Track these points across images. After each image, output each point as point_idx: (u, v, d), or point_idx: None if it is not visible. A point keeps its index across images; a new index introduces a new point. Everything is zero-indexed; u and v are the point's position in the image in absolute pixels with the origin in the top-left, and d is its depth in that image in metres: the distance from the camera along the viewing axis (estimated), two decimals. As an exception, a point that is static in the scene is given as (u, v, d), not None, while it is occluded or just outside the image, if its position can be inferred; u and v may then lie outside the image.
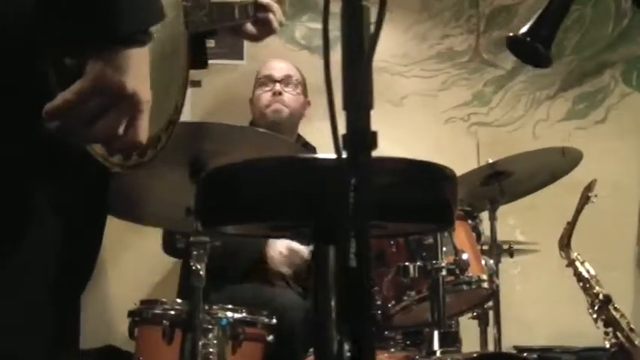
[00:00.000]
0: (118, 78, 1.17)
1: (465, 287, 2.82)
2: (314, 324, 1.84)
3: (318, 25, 4.52)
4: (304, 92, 3.92)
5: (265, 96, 3.80)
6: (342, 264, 1.01)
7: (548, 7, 1.70)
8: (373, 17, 1.09)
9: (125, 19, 1.16)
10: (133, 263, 4.05)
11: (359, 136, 1.03)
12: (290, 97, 3.81)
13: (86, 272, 1.50)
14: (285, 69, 3.89)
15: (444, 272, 2.64)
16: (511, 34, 1.76)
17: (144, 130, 1.25)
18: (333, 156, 1.57)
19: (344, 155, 1.07)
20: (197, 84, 4.06)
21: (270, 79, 3.84)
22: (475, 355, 2.69)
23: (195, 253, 2.57)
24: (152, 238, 3.61)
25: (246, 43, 4.39)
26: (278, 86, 3.80)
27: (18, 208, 1.31)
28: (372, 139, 1.03)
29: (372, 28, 1.10)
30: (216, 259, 2.64)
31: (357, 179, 1.03)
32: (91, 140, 1.24)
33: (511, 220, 4.10)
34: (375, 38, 1.04)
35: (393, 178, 1.56)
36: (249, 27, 2.34)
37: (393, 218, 1.60)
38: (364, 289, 1.03)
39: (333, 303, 1.81)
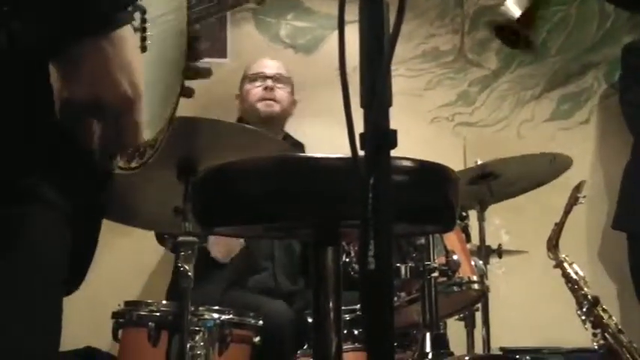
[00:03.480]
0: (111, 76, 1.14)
1: (455, 289, 2.80)
2: (313, 325, 1.81)
3: (303, 24, 4.50)
4: (292, 92, 3.90)
5: (256, 91, 3.79)
6: (362, 266, 0.97)
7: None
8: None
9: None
10: (117, 264, 3.99)
11: (379, 134, 0.99)
12: (281, 93, 3.81)
13: (80, 273, 1.48)
14: (276, 67, 3.89)
15: (436, 273, 2.61)
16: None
17: (138, 129, 1.22)
18: (337, 155, 1.56)
19: (361, 154, 1.03)
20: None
21: (262, 76, 3.82)
22: (468, 357, 2.66)
23: (183, 253, 2.53)
24: (136, 238, 3.56)
25: (229, 41, 4.35)
26: (270, 82, 3.79)
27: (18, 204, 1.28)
28: (392, 138, 1.00)
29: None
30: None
31: (376, 180, 0.99)
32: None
33: (496, 221, 4.08)
34: (395, 36, 1.01)
35: (399, 179, 1.53)
36: None
37: (399, 219, 1.56)
38: (384, 291, 0.99)
39: (331, 304, 1.79)
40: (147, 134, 1.40)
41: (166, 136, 1.48)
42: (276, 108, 3.76)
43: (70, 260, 1.40)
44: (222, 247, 3.32)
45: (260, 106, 3.74)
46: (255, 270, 3.54)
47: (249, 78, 3.84)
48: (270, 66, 3.87)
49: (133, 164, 1.37)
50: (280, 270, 3.59)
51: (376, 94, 1.00)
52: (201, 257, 2.66)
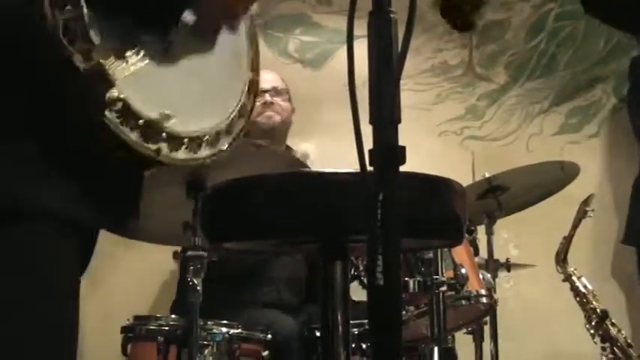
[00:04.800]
0: None
1: (463, 302, 2.80)
2: (322, 338, 1.81)
3: (311, 39, 4.50)
4: (290, 100, 3.91)
5: (255, 107, 3.77)
6: (370, 282, 0.97)
7: None
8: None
9: None
10: (126, 278, 4.00)
11: (388, 150, 1.00)
12: (280, 104, 3.81)
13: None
14: (272, 80, 3.87)
15: (444, 287, 2.61)
16: None
17: None
18: (346, 171, 1.57)
19: (370, 170, 1.04)
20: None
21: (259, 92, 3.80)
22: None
23: (192, 267, 2.53)
24: (145, 253, 3.56)
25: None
26: (267, 96, 3.78)
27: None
28: (400, 155, 1.00)
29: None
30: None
31: (384, 196, 1.00)
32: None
33: (505, 234, 4.07)
34: (404, 52, 1.01)
35: (407, 194, 1.54)
36: None
37: (408, 234, 1.57)
38: (392, 308, 1.00)
39: (339, 318, 1.79)
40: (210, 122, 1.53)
41: (245, 127, 1.68)
42: (276, 118, 3.76)
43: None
44: None
45: (260, 120, 3.73)
46: (259, 284, 3.54)
47: None
48: (266, 80, 3.83)
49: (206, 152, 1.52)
50: (284, 286, 3.59)
51: (385, 111, 1.00)
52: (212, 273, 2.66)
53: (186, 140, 1.49)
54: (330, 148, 4.23)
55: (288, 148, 3.90)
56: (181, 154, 1.47)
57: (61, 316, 1.38)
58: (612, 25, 4.48)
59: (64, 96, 1.31)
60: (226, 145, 1.59)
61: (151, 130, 1.41)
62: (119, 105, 1.34)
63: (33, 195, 1.32)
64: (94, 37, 1.28)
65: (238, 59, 1.72)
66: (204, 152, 1.53)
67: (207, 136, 1.54)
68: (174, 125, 1.45)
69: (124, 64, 1.38)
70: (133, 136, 1.38)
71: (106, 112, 1.32)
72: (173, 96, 1.49)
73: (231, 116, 1.63)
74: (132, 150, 1.39)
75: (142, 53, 1.42)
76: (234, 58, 1.70)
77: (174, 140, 1.46)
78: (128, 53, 1.40)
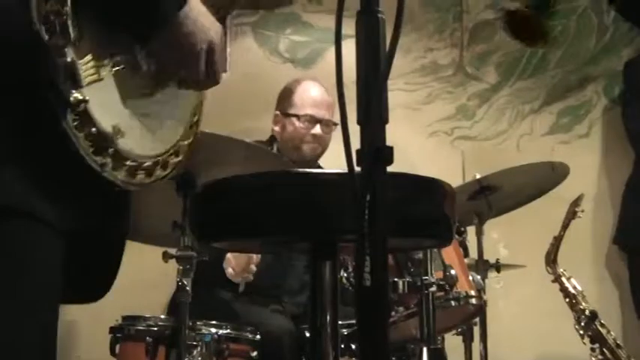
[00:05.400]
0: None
1: (453, 303, 2.79)
2: (310, 338, 1.81)
3: (302, 38, 4.49)
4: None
5: (304, 132, 3.68)
6: (357, 283, 0.97)
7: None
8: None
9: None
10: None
11: (375, 150, 0.99)
12: (326, 137, 3.73)
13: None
14: (326, 107, 3.75)
15: (433, 288, 2.61)
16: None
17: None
18: (334, 171, 1.57)
19: (357, 170, 1.03)
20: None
21: (312, 120, 3.69)
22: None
23: (181, 267, 2.53)
24: (134, 252, 3.53)
25: (229, 55, 4.35)
26: (319, 129, 3.68)
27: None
28: (388, 155, 1.00)
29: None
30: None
31: (372, 196, 0.99)
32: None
33: (494, 235, 4.07)
34: (391, 52, 1.01)
35: (396, 194, 1.53)
36: None
37: (397, 234, 1.56)
38: (379, 308, 0.99)
39: (328, 318, 1.79)
40: (160, 147, 1.49)
41: (192, 147, 1.72)
42: (319, 151, 3.71)
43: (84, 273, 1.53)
44: (237, 266, 3.26)
45: (305, 148, 3.67)
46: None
47: (298, 117, 3.71)
48: (320, 105, 3.73)
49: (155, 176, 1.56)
50: (287, 296, 3.56)
51: (372, 111, 1.00)
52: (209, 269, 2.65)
53: (127, 162, 1.49)
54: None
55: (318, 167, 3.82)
56: (122, 174, 1.48)
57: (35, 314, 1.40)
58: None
59: (31, 88, 1.32)
60: (152, 180, 1.60)
61: (102, 142, 1.41)
62: (82, 107, 1.34)
63: (11, 193, 1.33)
64: (73, 34, 1.28)
65: (186, 101, 1.75)
66: (138, 178, 1.53)
67: (145, 163, 1.54)
68: (122, 144, 1.45)
69: (95, 69, 1.38)
70: (85, 145, 1.38)
71: (67, 113, 1.33)
72: (128, 113, 1.49)
73: (169, 152, 1.64)
74: (80, 157, 1.38)
75: (112, 64, 1.43)
76: (184, 99, 1.72)
77: (118, 159, 1.46)
78: (103, 61, 1.40)
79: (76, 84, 1.33)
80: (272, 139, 3.77)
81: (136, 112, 1.51)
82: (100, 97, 1.40)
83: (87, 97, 1.34)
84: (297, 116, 3.69)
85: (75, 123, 1.35)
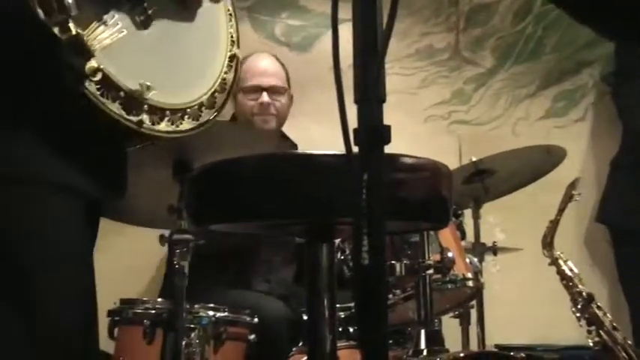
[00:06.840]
0: None
1: (450, 286, 2.79)
2: (308, 322, 1.81)
3: (298, 22, 4.49)
4: (288, 84, 3.80)
5: (252, 104, 3.66)
6: (356, 262, 0.97)
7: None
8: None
9: None
10: (112, 262, 3.98)
11: (372, 130, 0.99)
12: (278, 105, 3.69)
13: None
14: (272, 74, 3.72)
15: (431, 270, 2.62)
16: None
17: None
18: (331, 152, 1.57)
19: (355, 151, 1.03)
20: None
21: (257, 89, 3.67)
22: (464, 354, 2.66)
23: (178, 251, 2.53)
24: (131, 236, 3.55)
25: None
26: (266, 97, 3.65)
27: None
28: (385, 134, 1.00)
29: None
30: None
31: (370, 175, 0.99)
32: None
33: (491, 219, 4.08)
34: (388, 31, 1.01)
35: (394, 176, 1.53)
36: None
37: (394, 216, 1.56)
38: (378, 287, 0.99)
39: (325, 301, 1.79)
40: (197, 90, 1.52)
41: (227, 101, 1.70)
42: (273, 123, 3.67)
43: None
44: None
45: (257, 120, 3.64)
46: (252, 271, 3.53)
47: (244, 90, 3.67)
48: (265, 73, 3.71)
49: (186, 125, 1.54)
50: (275, 277, 3.57)
51: (369, 89, 1.00)
52: (200, 257, 2.65)
53: (167, 112, 1.49)
54: (317, 131, 4.22)
55: (283, 135, 3.82)
56: (163, 126, 1.47)
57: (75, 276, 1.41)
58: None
59: (43, 68, 1.31)
60: (208, 118, 1.59)
61: (133, 101, 1.41)
62: (99, 76, 1.33)
63: (25, 160, 1.33)
64: (72, 7, 1.27)
65: (216, 34, 1.71)
66: (187, 125, 1.52)
67: (188, 109, 1.54)
68: (155, 96, 1.44)
69: (103, 34, 1.37)
70: (115, 108, 1.38)
71: (86, 84, 1.32)
72: (151, 68, 1.48)
73: (212, 90, 1.63)
74: (114, 122, 1.38)
75: (119, 24, 1.42)
76: (212, 33, 1.70)
77: (156, 112, 1.46)
78: (107, 22, 1.39)
79: (88, 54, 1.33)
80: (232, 119, 3.74)
81: (159, 63, 1.50)
82: (117, 60, 1.39)
83: (101, 65, 1.34)
84: (244, 89, 3.66)
85: (99, 92, 1.35)
